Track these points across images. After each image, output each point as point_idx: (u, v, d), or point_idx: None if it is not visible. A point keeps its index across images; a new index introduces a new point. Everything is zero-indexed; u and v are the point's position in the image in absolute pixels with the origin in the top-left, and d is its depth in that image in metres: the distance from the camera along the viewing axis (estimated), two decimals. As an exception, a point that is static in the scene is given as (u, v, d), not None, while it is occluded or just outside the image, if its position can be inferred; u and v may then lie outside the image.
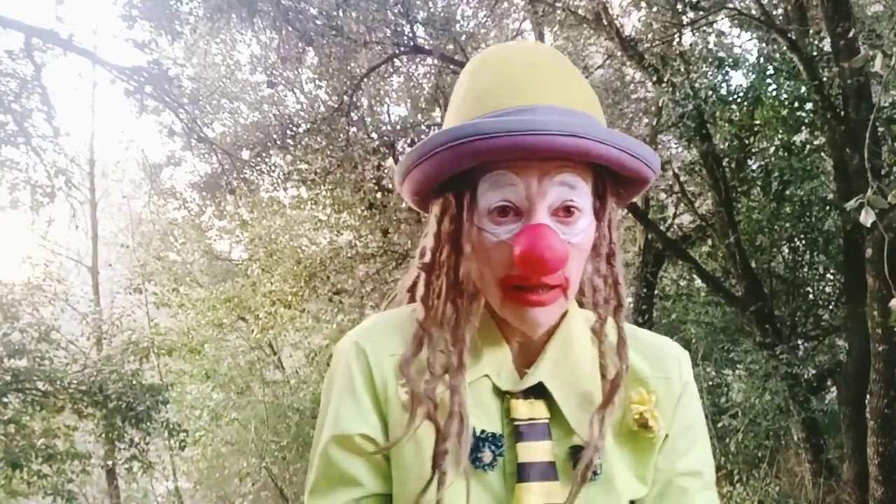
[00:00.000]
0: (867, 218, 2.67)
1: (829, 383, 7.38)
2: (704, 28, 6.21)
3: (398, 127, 8.45)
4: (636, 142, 0.77)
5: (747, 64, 6.57)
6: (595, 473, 0.77)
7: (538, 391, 0.80)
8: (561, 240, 0.73)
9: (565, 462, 0.78)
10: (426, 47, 6.58)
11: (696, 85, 6.21)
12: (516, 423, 0.78)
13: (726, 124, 6.84)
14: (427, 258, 0.81)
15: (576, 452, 0.78)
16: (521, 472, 0.76)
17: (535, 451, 0.77)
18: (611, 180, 0.80)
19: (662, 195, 8.38)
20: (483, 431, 0.78)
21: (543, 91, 0.76)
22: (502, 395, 0.80)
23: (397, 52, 6.76)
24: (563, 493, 0.76)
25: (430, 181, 0.78)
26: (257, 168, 8.00)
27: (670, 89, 5.82)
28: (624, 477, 0.80)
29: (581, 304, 0.87)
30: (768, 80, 6.27)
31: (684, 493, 0.82)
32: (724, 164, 6.91)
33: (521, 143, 0.71)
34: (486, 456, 0.77)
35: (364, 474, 0.79)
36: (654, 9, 5.66)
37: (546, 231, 0.72)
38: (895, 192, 2.73)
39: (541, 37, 7.60)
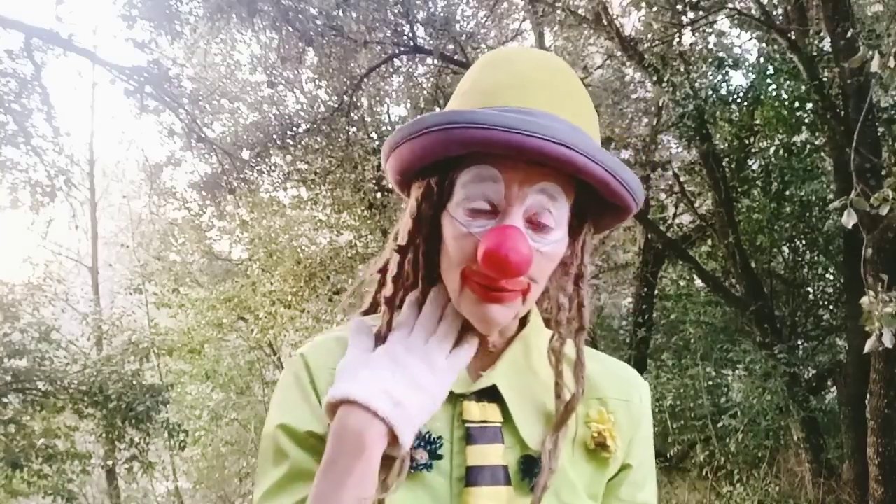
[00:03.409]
0: (849, 219, 2.68)
1: (829, 383, 7.39)
2: (704, 28, 6.21)
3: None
4: (625, 168, 0.76)
5: (747, 64, 6.58)
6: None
7: (491, 395, 0.79)
8: (528, 245, 0.72)
9: (517, 471, 0.77)
10: (426, 47, 6.59)
11: (696, 85, 6.21)
12: (468, 425, 0.77)
13: (726, 124, 6.84)
14: (403, 240, 0.81)
15: (527, 463, 0.77)
16: (470, 476, 0.75)
17: (485, 455, 0.76)
18: (592, 203, 0.80)
19: (662, 195, 8.38)
20: (419, 432, 0.75)
21: (546, 98, 0.76)
22: (454, 399, 0.79)
23: (397, 52, 6.77)
24: (514, 501, 0.76)
25: (417, 161, 0.77)
26: (257, 168, 8.01)
27: (670, 89, 5.82)
28: (576, 492, 0.79)
29: (547, 323, 0.86)
30: (768, 80, 6.28)
31: None
32: (724, 164, 6.91)
33: (512, 140, 0.70)
34: (421, 455, 0.75)
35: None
36: (654, 9, 5.66)
37: (515, 233, 0.71)
38: (878, 194, 2.74)
39: (541, 37, 7.60)
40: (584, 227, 0.80)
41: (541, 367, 0.82)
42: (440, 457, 0.76)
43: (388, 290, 0.80)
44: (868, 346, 2.87)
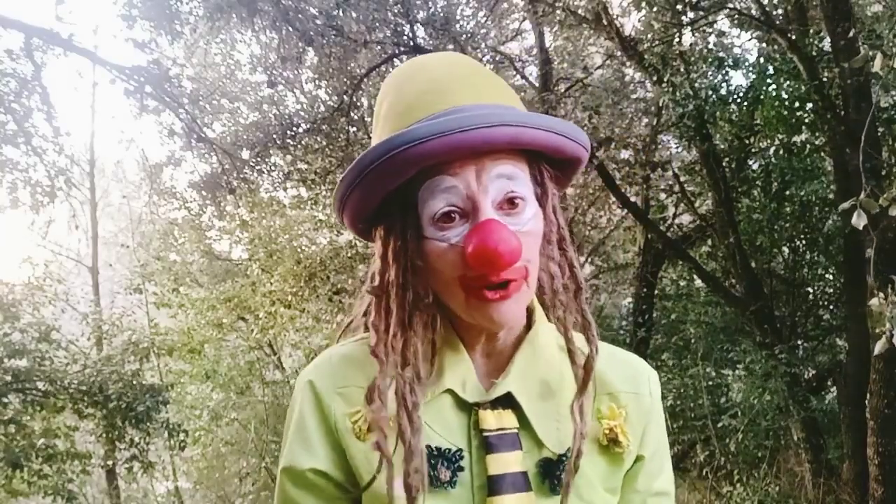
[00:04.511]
0: (859, 221, 2.66)
1: (829, 383, 7.39)
2: (704, 28, 6.21)
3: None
4: (562, 121, 0.77)
5: (747, 64, 6.58)
6: (560, 486, 0.77)
7: (506, 401, 0.79)
8: (511, 232, 0.72)
9: (536, 474, 0.78)
10: (426, 47, 6.58)
11: (696, 85, 6.21)
12: (486, 434, 0.77)
13: (726, 124, 6.84)
14: (376, 281, 0.79)
15: (546, 466, 0.78)
16: (492, 485, 0.75)
17: (505, 463, 0.76)
18: (547, 165, 0.80)
19: (662, 195, 8.38)
20: (438, 449, 0.76)
21: (469, 91, 0.77)
22: (469, 409, 0.79)
23: (397, 52, 6.76)
24: None
25: (370, 202, 0.77)
26: (257, 168, 8.00)
27: (670, 89, 5.82)
28: (594, 489, 0.80)
29: (542, 303, 0.86)
30: (768, 80, 6.27)
31: None
32: (724, 164, 6.91)
33: (454, 141, 0.70)
34: (443, 474, 0.75)
35: None
36: (654, 9, 5.66)
37: (496, 225, 0.71)
38: (886, 195, 2.73)
39: (541, 37, 7.60)
40: (549, 192, 0.80)
41: (552, 366, 0.82)
42: (461, 469, 0.76)
43: (371, 339, 0.78)
44: (878, 347, 2.84)
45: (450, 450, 0.76)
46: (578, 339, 0.80)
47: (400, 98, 0.80)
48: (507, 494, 0.75)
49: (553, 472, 0.78)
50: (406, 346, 0.76)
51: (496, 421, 0.78)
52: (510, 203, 0.75)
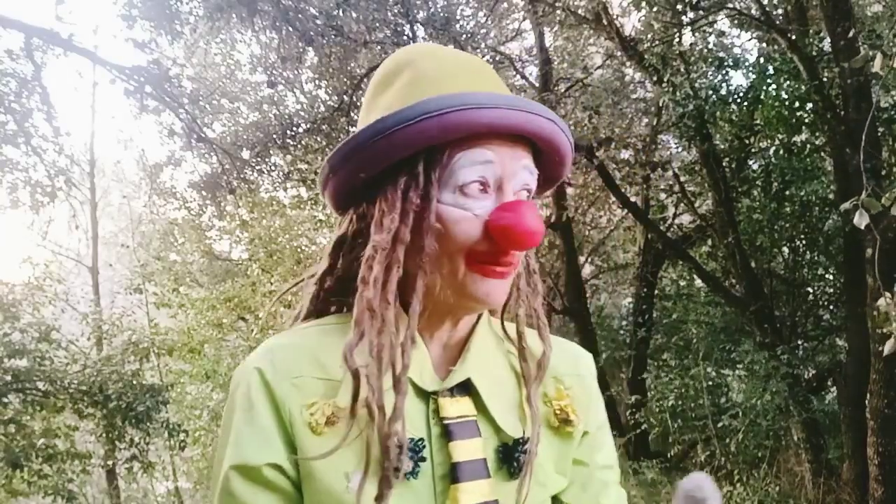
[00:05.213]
0: (861, 220, 2.66)
1: (829, 383, 7.39)
2: (704, 28, 6.21)
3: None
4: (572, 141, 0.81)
5: (747, 64, 6.58)
6: (519, 469, 0.77)
7: (463, 389, 0.79)
8: (539, 216, 0.75)
9: (495, 460, 0.78)
10: (426, 47, 6.58)
11: (696, 85, 6.21)
12: (446, 421, 0.77)
13: (726, 124, 6.84)
14: (386, 235, 0.74)
15: (504, 451, 0.78)
16: (454, 474, 0.75)
17: (466, 450, 0.76)
18: (541, 175, 0.81)
19: (662, 195, 8.38)
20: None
21: (492, 82, 0.79)
22: (427, 397, 0.78)
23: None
24: (495, 491, 0.76)
25: (394, 155, 0.73)
26: (257, 168, 8.01)
27: (670, 89, 5.82)
28: (546, 471, 0.81)
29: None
30: (768, 80, 6.27)
31: (605, 486, 0.88)
32: (724, 164, 6.91)
33: (520, 119, 0.72)
34: (405, 464, 0.72)
35: None
36: (654, 9, 5.67)
37: (530, 206, 0.74)
38: (889, 194, 2.73)
39: (541, 37, 7.60)
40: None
41: (503, 354, 0.85)
42: (423, 459, 0.75)
43: (369, 292, 0.73)
44: (887, 348, 2.83)
45: (412, 439, 0.74)
46: (529, 336, 0.83)
47: (425, 70, 0.78)
48: (467, 482, 0.75)
49: (511, 457, 0.78)
50: (407, 306, 0.75)
51: (456, 408, 0.78)
52: (525, 195, 0.78)
